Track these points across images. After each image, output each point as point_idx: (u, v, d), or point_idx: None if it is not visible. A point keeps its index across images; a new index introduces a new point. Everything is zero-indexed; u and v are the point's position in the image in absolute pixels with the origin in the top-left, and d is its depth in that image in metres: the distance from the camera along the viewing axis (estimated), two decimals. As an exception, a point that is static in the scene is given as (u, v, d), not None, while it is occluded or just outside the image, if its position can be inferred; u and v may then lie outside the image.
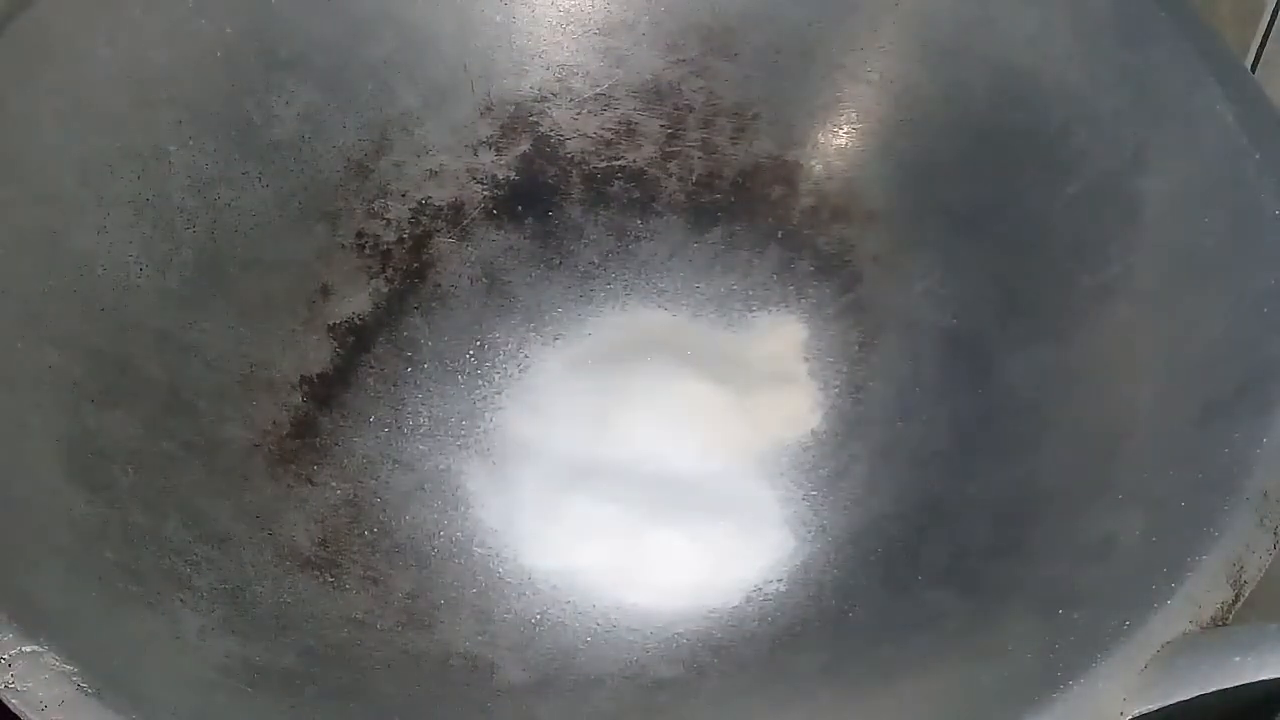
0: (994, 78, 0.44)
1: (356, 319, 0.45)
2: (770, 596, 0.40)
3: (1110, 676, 0.29)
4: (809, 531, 0.41)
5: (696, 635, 0.39)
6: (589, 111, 0.48)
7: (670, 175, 0.48)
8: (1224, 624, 0.30)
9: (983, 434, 0.41)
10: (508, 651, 0.38)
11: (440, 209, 0.47)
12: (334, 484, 0.41)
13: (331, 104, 0.46)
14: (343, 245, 0.46)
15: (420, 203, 0.47)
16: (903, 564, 0.39)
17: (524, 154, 0.48)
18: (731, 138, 0.48)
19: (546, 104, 0.48)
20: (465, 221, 0.48)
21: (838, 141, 0.48)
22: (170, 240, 0.42)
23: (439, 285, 0.47)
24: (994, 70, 0.44)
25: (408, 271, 0.46)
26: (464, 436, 0.43)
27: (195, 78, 0.44)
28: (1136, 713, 0.29)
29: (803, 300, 0.47)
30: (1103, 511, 0.35)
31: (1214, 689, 0.28)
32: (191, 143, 0.43)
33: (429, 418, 0.44)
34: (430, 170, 0.47)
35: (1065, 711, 0.29)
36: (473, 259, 0.47)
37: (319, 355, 0.44)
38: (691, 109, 0.48)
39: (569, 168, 0.48)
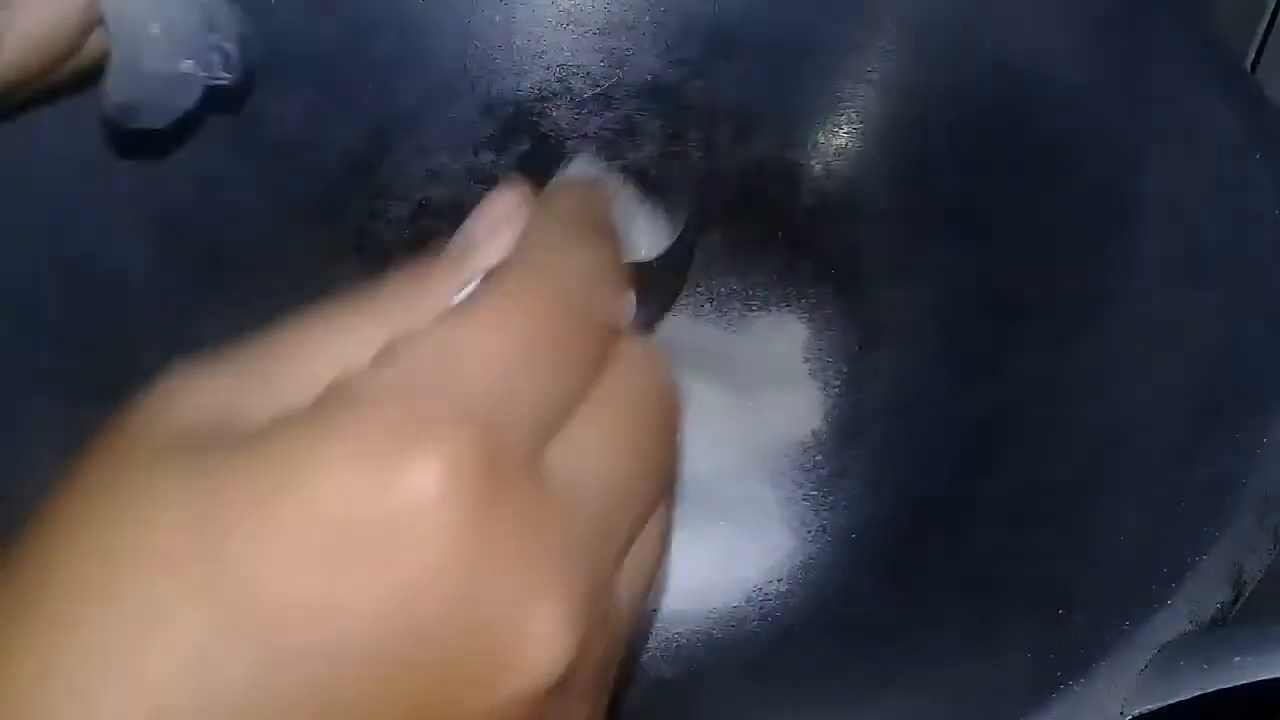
0: (994, 78, 0.44)
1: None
2: (770, 596, 0.40)
3: (1110, 677, 0.29)
4: (809, 531, 0.41)
5: (696, 635, 0.39)
6: (589, 112, 0.48)
7: (671, 175, 0.48)
8: (1224, 624, 0.30)
9: (982, 434, 0.41)
10: (508, 651, 0.38)
11: (440, 209, 0.47)
12: (334, 484, 0.41)
13: (332, 104, 0.46)
14: (343, 245, 0.46)
15: (420, 203, 0.47)
16: (903, 564, 0.39)
17: (524, 154, 0.48)
18: (732, 138, 0.48)
19: (547, 104, 0.48)
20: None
21: (838, 142, 0.48)
22: (171, 240, 0.42)
23: (439, 285, 0.47)
24: (994, 70, 0.44)
25: (408, 272, 0.46)
26: (464, 436, 0.43)
27: (195, 78, 0.44)
28: (1137, 713, 0.29)
29: (803, 300, 0.47)
30: (1103, 512, 0.35)
31: (1214, 689, 0.28)
32: (192, 142, 0.43)
33: (429, 418, 0.43)
34: (430, 170, 0.47)
35: (1065, 712, 0.29)
36: (473, 259, 0.47)
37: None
38: (692, 109, 0.48)
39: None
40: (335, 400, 0.19)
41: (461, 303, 0.21)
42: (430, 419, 0.18)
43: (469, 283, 0.21)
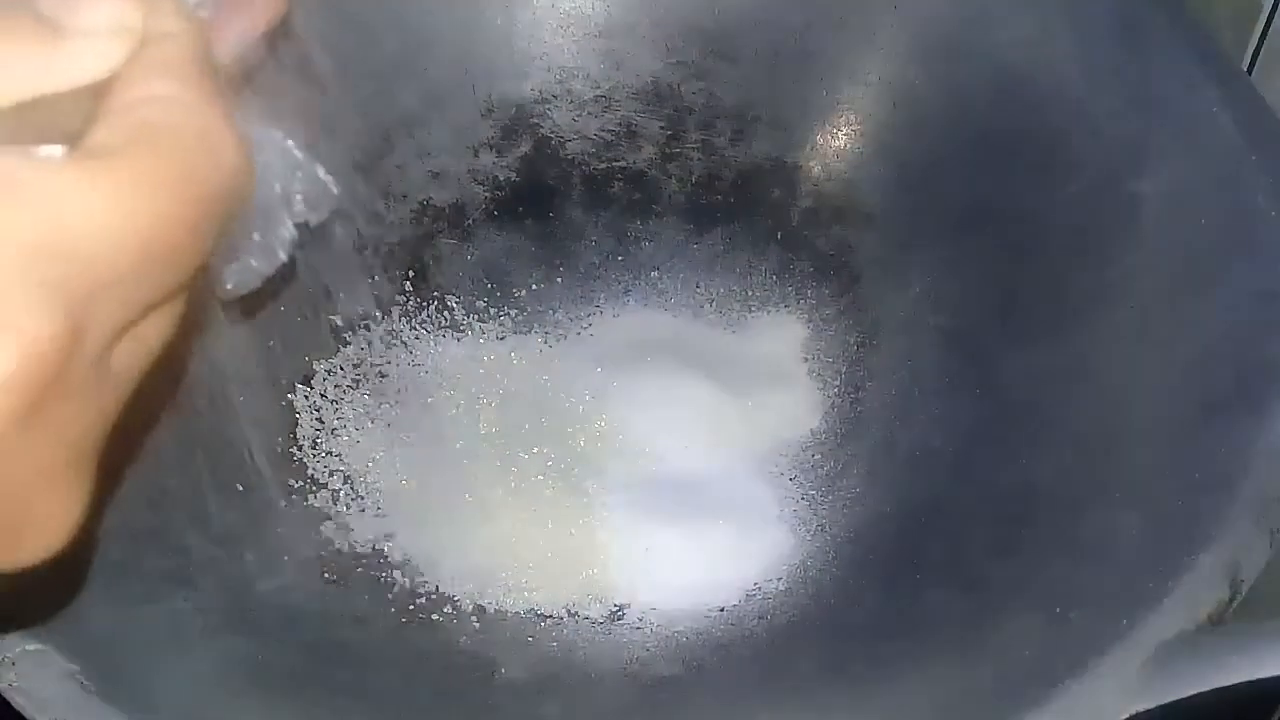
0: (992, 80, 0.45)
1: (358, 319, 0.45)
2: (770, 595, 0.40)
3: (1108, 675, 0.29)
4: (808, 531, 0.42)
5: (696, 634, 0.39)
6: (589, 113, 0.49)
7: (670, 177, 0.49)
8: (1221, 623, 0.30)
9: (981, 434, 0.41)
10: (509, 650, 0.38)
11: (442, 210, 0.48)
12: (336, 484, 0.42)
13: (333, 105, 0.46)
14: (344, 246, 0.46)
15: (422, 204, 0.47)
16: (901, 563, 0.39)
17: (525, 155, 0.48)
18: (731, 140, 0.49)
19: (547, 106, 0.48)
20: (466, 223, 0.48)
21: (836, 143, 0.48)
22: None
23: (440, 286, 0.47)
24: (992, 72, 0.45)
25: (409, 273, 0.47)
26: (465, 437, 0.43)
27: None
28: (1134, 711, 0.29)
29: (802, 301, 0.47)
30: (1101, 511, 0.35)
31: (1211, 687, 0.28)
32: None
33: (431, 418, 0.44)
34: (432, 172, 0.48)
35: (1063, 710, 0.29)
36: (474, 260, 0.47)
37: (320, 355, 0.44)
38: (691, 111, 0.49)
39: (569, 169, 0.49)
40: None
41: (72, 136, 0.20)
42: (18, 294, 0.18)
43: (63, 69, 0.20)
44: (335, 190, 0.32)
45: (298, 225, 0.32)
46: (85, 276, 0.19)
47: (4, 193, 0.18)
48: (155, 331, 0.22)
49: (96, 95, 0.21)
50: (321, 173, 0.32)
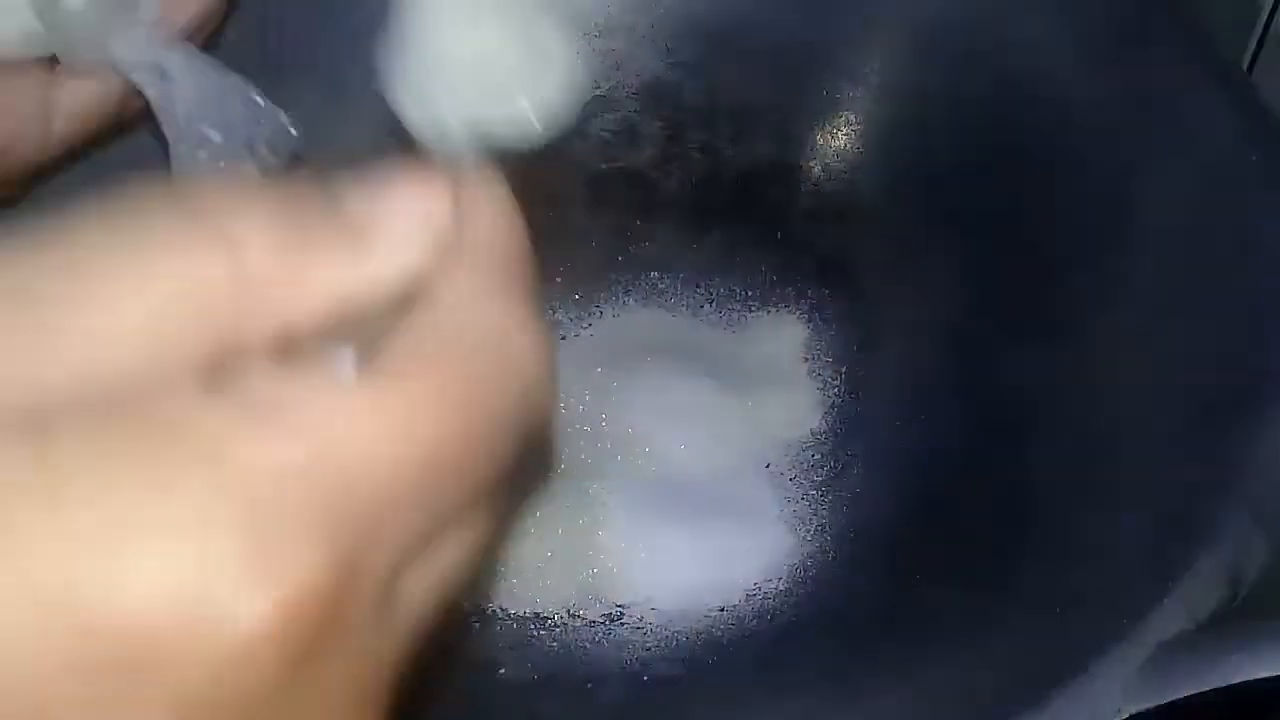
0: (992, 79, 0.45)
1: (358, 319, 0.45)
2: (769, 595, 0.40)
3: (1108, 675, 0.29)
4: (808, 531, 0.42)
5: (696, 634, 0.39)
6: (589, 113, 0.48)
7: (670, 177, 0.49)
8: (1221, 623, 0.30)
9: (981, 434, 0.41)
10: (508, 650, 0.38)
11: (441, 210, 0.47)
12: (335, 484, 0.42)
13: (332, 105, 0.46)
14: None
15: (421, 204, 0.47)
16: (901, 563, 0.39)
17: (525, 155, 0.48)
18: (731, 140, 0.49)
19: (547, 105, 0.48)
20: (466, 223, 0.48)
21: (837, 143, 0.48)
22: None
23: (440, 286, 0.47)
24: (992, 72, 0.45)
25: (409, 272, 0.47)
26: (465, 437, 0.43)
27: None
28: (1134, 710, 0.29)
29: (802, 301, 0.47)
30: (1101, 511, 0.35)
31: (1211, 687, 0.28)
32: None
33: (430, 418, 0.44)
34: (431, 171, 0.48)
35: (1063, 710, 0.29)
36: (474, 260, 0.47)
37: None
38: (691, 111, 0.49)
39: (570, 169, 0.48)
40: (154, 432, 0.15)
41: (351, 356, 0.17)
42: (286, 531, 0.15)
43: (355, 294, 0.18)
44: (294, 133, 0.33)
45: (262, 170, 0.34)
46: (363, 508, 0.16)
47: (276, 415, 0.16)
48: (451, 556, 0.19)
49: (396, 295, 0.19)
50: (283, 118, 0.34)
